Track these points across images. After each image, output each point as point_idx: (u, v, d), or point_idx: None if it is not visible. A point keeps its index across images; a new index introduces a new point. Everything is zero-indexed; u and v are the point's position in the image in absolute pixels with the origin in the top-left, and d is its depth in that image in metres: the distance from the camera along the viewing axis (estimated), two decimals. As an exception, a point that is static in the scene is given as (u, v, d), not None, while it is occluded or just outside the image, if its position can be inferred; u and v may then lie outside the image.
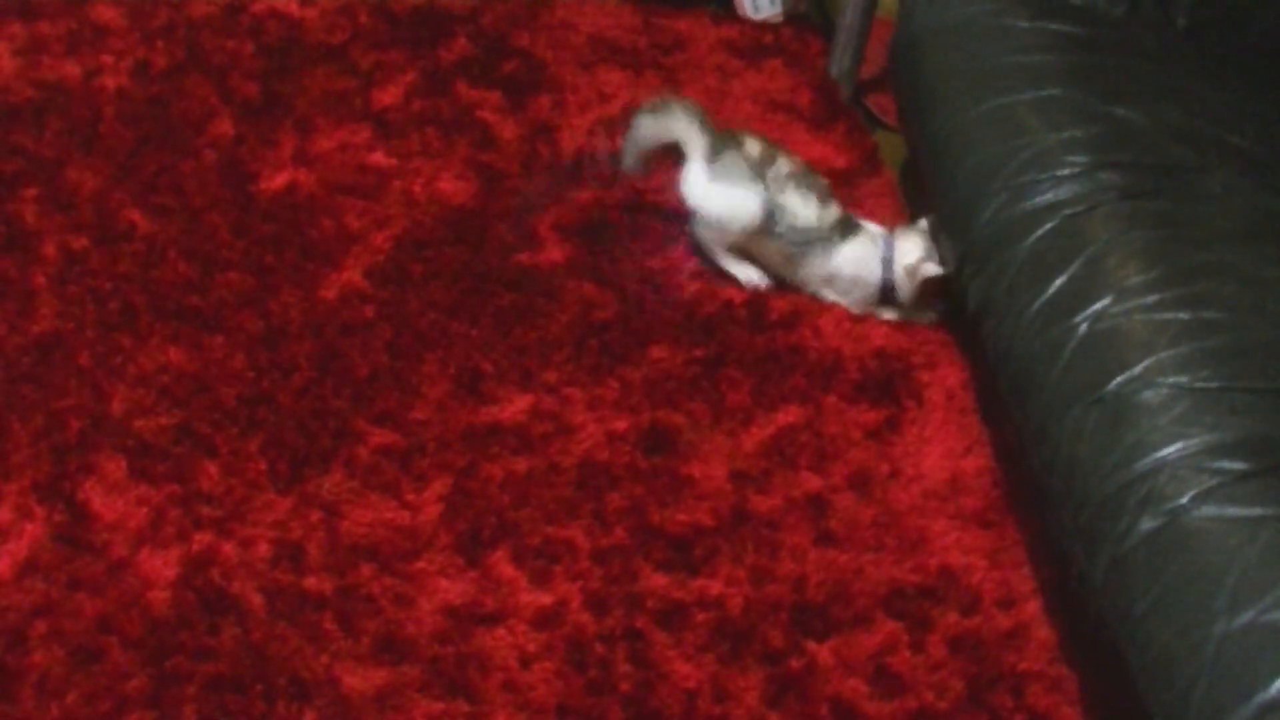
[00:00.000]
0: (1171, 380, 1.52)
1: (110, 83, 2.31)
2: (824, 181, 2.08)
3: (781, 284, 2.10)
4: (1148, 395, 1.53)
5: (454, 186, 2.21)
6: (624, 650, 1.62)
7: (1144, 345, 1.57)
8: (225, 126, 2.26)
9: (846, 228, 2.06)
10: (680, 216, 2.12)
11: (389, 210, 2.15)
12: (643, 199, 2.21)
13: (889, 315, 2.08)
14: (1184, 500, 1.43)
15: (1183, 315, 1.58)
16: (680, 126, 2.06)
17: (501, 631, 1.62)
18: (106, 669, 1.53)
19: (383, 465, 1.78)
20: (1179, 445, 1.47)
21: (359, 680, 1.56)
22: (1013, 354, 1.72)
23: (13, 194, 2.10)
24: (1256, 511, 1.39)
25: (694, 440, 1.87)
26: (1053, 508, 1.60)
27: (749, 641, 1.65)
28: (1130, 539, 1.45)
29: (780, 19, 2.66)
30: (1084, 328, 1.63)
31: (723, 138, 2.06)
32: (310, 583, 1.64)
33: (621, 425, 1.86)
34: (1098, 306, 1.63)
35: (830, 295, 2.08)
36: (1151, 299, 1.61)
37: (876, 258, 2.05)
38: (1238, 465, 1.43)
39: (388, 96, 2.36)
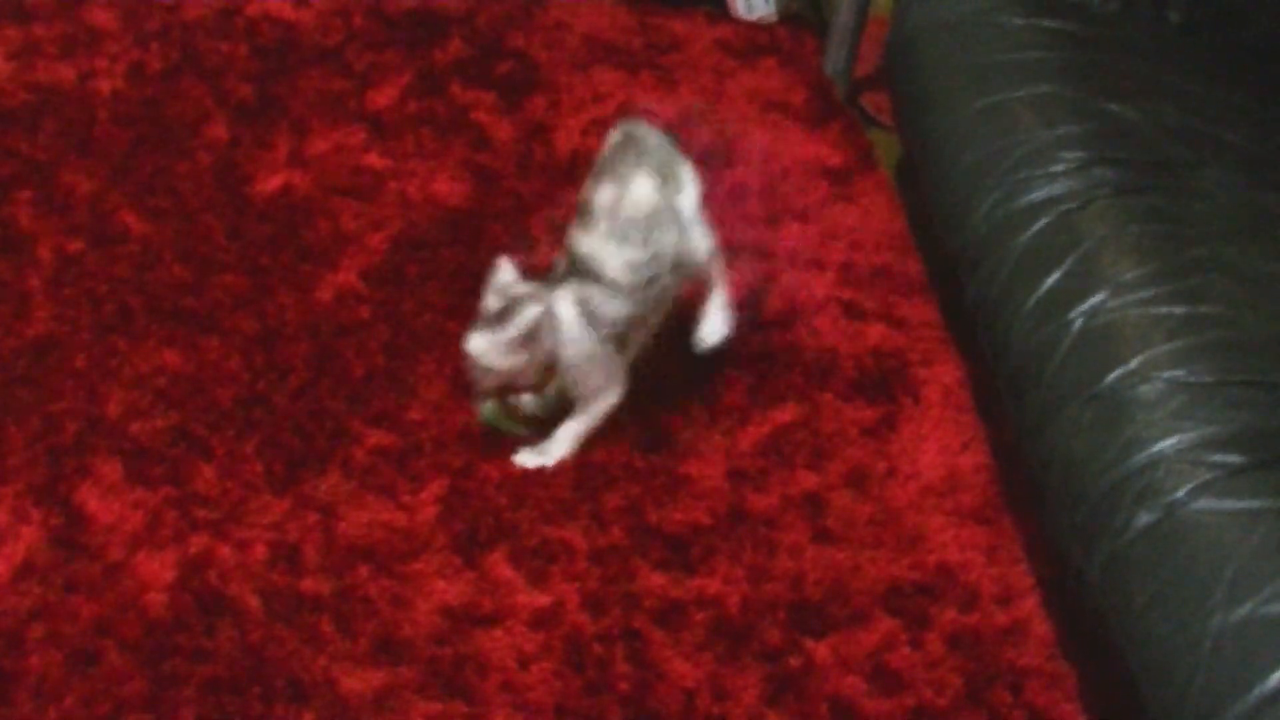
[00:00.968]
0: (1167, 375, 1.52)
1: (105, 85, 2.31)
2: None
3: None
4: (1144, 390, 1.53)
5: (449, 187, 2.20)
6: (622, 650, 1.62)
7: (1139, 340, 1.57)
8: (220, 129, 2.26)
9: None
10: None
11: (384, 211, 2.15)
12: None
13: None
14: (1181, 494, 1.43)
15: (1178, 310, 1.58)
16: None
17: (499, 632, 1.62)
18: (104, 672, 1.53)
19: (379, 466, 1.78)
20: (1175, 439, 1.47)
21: (357, 681, 1.55)
22: (1009, 350, 1.72)
23: (7, 197, 2.10)
24: (1253, 504, 1.39)
25: (691, 439, 1.87)
26: (1050, 503, 1.60)
27: (747, 640, 1.64)
28: (1127, 533, 1.45)
29: (774, 18, 2.66)
30: (1079, 323, 1.63)
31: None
32: (307, 584, 1.64)
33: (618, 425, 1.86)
34: (1093, 302, 1.63)
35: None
36: (1147, 294, 1.61)
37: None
38: (1234, 459, 1.43)
39: (383, 98, 2.36)
